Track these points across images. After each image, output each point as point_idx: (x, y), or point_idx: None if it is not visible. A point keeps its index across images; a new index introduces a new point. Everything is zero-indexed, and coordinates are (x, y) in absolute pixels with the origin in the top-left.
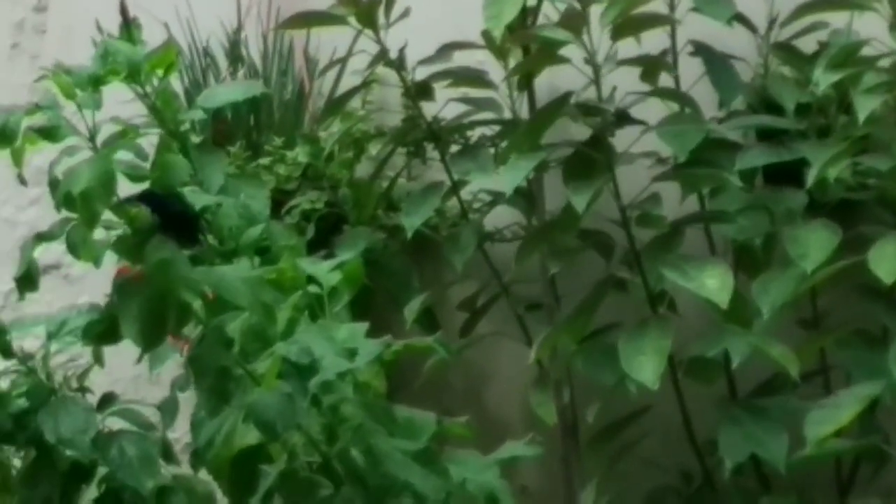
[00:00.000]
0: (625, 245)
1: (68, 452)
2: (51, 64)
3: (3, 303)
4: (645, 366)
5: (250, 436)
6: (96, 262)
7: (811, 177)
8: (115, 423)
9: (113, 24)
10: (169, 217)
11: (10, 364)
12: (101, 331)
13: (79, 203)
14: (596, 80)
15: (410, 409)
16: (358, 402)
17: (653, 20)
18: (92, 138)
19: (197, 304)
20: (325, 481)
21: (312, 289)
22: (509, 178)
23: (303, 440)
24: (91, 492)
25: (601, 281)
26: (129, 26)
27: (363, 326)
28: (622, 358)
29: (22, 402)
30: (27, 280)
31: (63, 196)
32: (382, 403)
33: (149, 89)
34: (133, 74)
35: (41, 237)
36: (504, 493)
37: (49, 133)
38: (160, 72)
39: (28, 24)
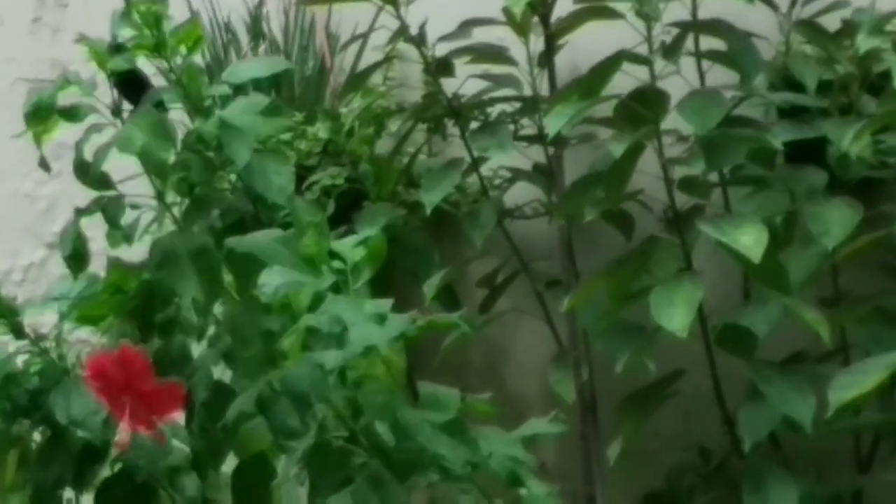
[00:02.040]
0: (660, 209)
1: (80, 433)
2: (72, 37)
3: (22, 277)
4: (675, 315)
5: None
6: (128, 238)
7: (833, 154)
8: None
9: None
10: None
11: (23, 344)
12: (136, 305)
13: (142, 160)
14: (648, 36)
15: (434, 385)
16: (382, 378)
17: None
18: (117, 112)
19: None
20: (357, 449)
21: (336, 264)
22: (555, 121)
23: (331, 413)
24: (104, 472)
25: (648, 238)
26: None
27: (388, 302)
28: (653, 307)
29: (35, 382)
30: (77, 258)
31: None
32: (397, 380)
33: (173, 64)
34: (159, 49)
35: (81, 212)
36: (526, 469)
37: (72, 113)
38: (185, 47)
39: None
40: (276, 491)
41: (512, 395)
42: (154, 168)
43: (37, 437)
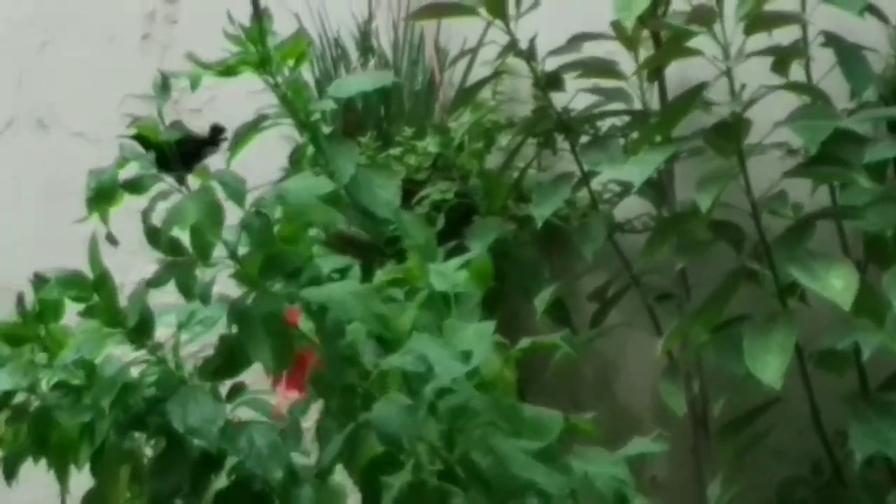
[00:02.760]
0: (755, 236)
1: (197, 442)
2: (182, 53)
3: None
4: (770, 364)
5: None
6: (204, 299)
7: None
8: (243, 414)
9: (244, 14)
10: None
11: (140, 354)
12: (217, 366)
13: (191, 237)
14: (728, 72)
15: (538, 408)
16: (483, 402)
17: (785, 18)
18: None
19: (307, 326)
20: (453, 489)
21: (441, 285)
22: (639, 170)
23: (426, 448)
24: (220, 481)
25: (732, 272)
26: (260, 17)
27: (490, 326)
28: (747, 355)
29: (152, 392)
30: (142, 328)
31: (168, 242)
32: (510, 402)
33: (279, 79)
34: (264, 64)
35: (151, 283)
36: (631, 489)
37: (135, 187)
38: (291, 62)
39: (159, 15)
40: None
41: (623, 408)
42: (198, 248)
43: (148, 451)
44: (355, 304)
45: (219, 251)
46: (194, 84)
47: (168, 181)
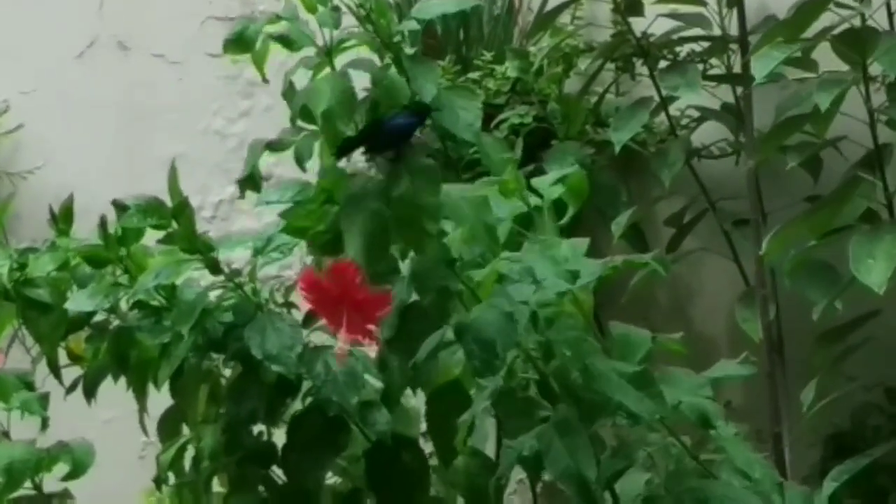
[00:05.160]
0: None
1: (274, 367)
2: None
3: (213, 213)
4: (874, 269)
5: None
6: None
7: None
8: (319, 339)
9: None
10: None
11: (218, 280)
12: (326, 241)
13: (321, 123)
14: None
15: (626, 326)
16: (574, 319)
17: None
18: (329, 53)
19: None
20: (541, 401)
21: (534, 201)
22: (760, 65)
23: (521, 357)
24: (296, 406)
25: (849, 179)
26: None
27: (584, 243)
28: (852, 259)
29: (229, 317)
30: (251, 181)
31: (299, 109)
32: (585, 317)
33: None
34: None
35: (271, 145)
36: (715, 412)
37: (289, 41)
38: None
39: None
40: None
41: (699, 334)
42: (328, 136)
43: (226, 372)
44: (467, 211)
45: None
46: (309, 8)
47: (319, 49)
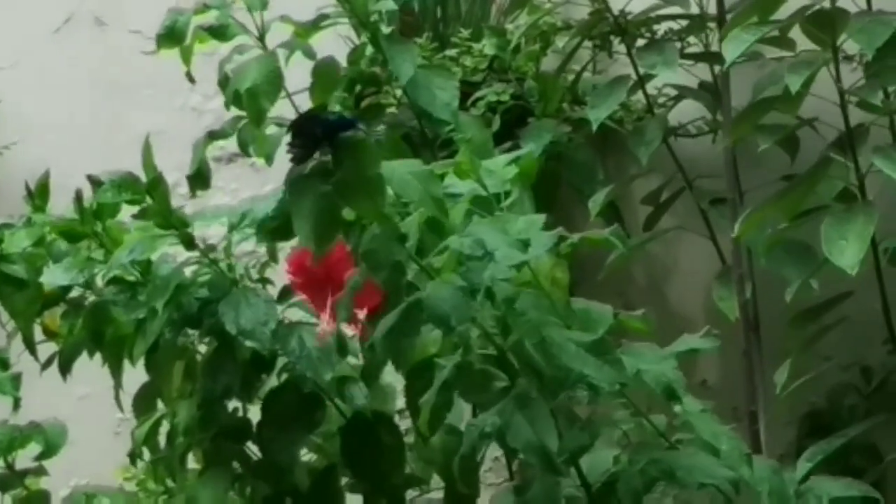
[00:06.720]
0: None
1: (248, 343)
2: None
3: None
4: (846, 250)
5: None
6: (268, 159)
7: None
8: (294, 315)
9: None
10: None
11: (193, 255)
12: (275, 227)
13: (245, 100)
14: None
15: (588, 302)
16: (534, 294)
17: None
18: (261, 37)
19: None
20: (500, 374)
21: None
22: (731, 47)
23: (477, 333)
24: (271, 382)
25: (820, 160)
26: None
27: (540, 218)
28: (824, 240)
29: (204, 293)
30: (198, 178)
31: (232, 93)
32: (560, 295)
33: None
34: None
35: (213, 135)
36: (680, 384)
37: (218, 32)
38: None
39: None
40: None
41: (675, 312)
42: (252, 113)
43: (202, 348)
44: (415, 184)
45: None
46: None
47: (251, 35)
